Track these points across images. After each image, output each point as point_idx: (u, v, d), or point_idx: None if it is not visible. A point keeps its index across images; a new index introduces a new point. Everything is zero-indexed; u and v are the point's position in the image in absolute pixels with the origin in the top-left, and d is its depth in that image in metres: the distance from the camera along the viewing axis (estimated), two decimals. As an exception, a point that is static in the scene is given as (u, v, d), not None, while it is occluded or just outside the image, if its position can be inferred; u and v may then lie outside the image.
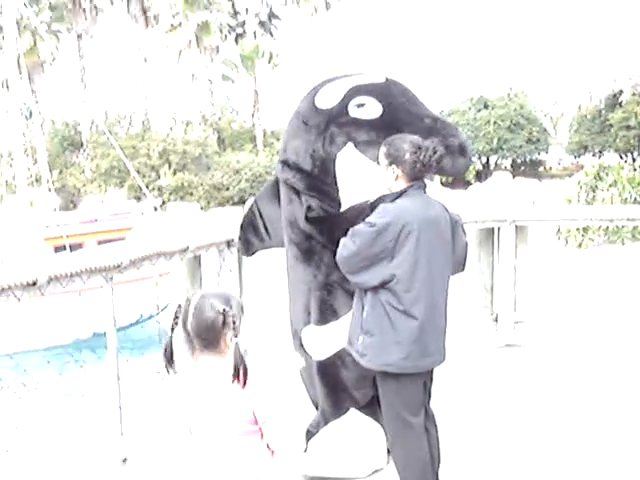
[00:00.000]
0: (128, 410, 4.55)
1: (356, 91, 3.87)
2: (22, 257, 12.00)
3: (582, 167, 24.47)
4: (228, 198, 36.27)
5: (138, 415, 4.98)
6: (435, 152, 3.29)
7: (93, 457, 4.16)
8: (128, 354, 10.10)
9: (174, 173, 39.61)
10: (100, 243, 13.40)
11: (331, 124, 3.85)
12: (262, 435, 2.42)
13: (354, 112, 3.81)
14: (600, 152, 38.29)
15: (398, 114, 3.81)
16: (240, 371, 2.34)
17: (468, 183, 41.31)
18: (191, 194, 37.55)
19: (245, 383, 2.35)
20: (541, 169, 48.05)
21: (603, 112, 36.59)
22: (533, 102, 50.78)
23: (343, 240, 3.37)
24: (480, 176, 44.78)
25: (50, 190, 16.05)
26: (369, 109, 3.80)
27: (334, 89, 3.95)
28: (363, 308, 3.36)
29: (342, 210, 3.83)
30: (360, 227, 3.29)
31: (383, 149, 3.37)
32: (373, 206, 3.37)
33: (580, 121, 40.29)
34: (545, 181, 39.99)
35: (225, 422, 2.41)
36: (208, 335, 2.40)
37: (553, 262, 15.63)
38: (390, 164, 3.32)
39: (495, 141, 44.91)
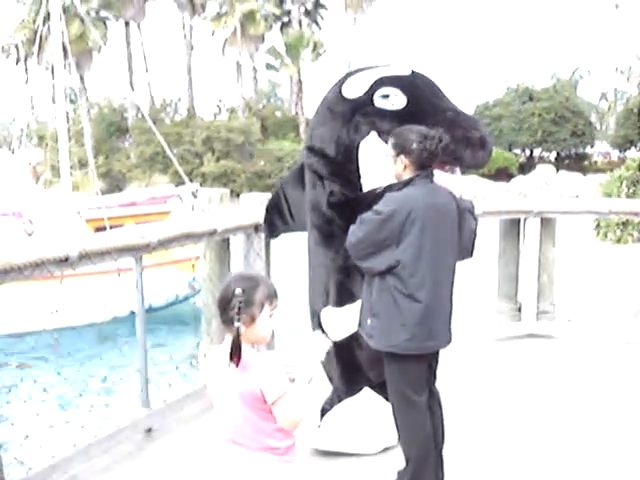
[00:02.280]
0: (156, 383, 4.77)
1: (382, 82, 4.00)
2: (61, 236, 12.36)
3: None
4: (270, 186, 36.48)
5: (164, 388, 5.21)
6: (441, 140, 3.42)
7: (120, 426, 4.36)
8: (163, 333, 10.42)
9: (217, 160, 40.01)
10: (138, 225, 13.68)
11: (356, 113, 4.00)
12: (274, 419, 2.48)
13: (379, 102, 3.96)
14: (647, 147, 37.72)
15: (421, 106, 3.93)
16: (233, 355, 2.42)
17: (511, 175, 40.97)
18: (234, 181, 37.94)
19: (237, 365, 2.43)
20: (586, 163, 47.38)
21: (651, 106, 36.02)
22: (580, 95, 50.12)
23: (352, 227, 3.52)
24: (524, 169, 44.34)
25: (93, 174, 16.43)
26: (394, 100, 3.93)
27: (361, 80, 4.09)
28: (372, 292, 3.51)
29: (362, 194, 3.99)
30: (367, 215, 3.44)
31: (391, 140, 3.51)
32: (381, 195, 3.51)
33: (627, 115, 39.70)
34: (589, 175, 39.45)
35: (233, 398, 2.50)
36: (221, 312, 2.50)
37: (588, 256, 15.56)
38: (398, 154, 3.45)
39: (539, 133, 44.39)
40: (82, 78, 42.39)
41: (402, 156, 3.44)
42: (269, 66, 47.89)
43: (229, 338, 2.48)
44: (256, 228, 5.49)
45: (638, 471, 4.07)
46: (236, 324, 2.42)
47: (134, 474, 4.02)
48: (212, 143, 40.47)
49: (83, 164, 19.78)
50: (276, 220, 4.92)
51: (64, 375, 8.41)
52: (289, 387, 2.47)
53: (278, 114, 49.58)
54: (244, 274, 2.65)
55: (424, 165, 3.43)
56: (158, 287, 12.00)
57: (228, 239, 5.68)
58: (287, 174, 4.90)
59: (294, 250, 5.94)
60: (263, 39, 46.61)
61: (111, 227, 13.30)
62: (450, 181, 3.64)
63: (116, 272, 11.95)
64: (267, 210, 4.99)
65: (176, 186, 17.74)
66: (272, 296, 2.53)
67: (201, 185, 16.22)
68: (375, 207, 3.43)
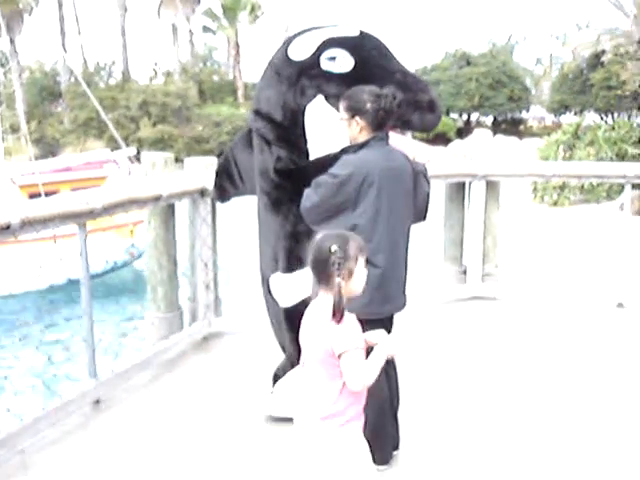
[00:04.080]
0: (102, 353, 4.65)
1: (329, 43, 3.87)
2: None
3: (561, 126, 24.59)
4: (208, 151, 36.10)
5: (112, 358, 5.10)
6: (395, 98, 3.35)
7: (67, 398, 4.25)
8: (103, 300, 10.26)
9: (154, 125, 39.36)
10: (74, 191, 13.39)
11: (302, 76, 3.88)
12: (341, 373, 2.52)
13: (326, 65, 3.83)
14: (581, 111, 38.31)
15: (370, 68, 3.84)
16: (337, 312, 2.50)
17: (449, 140, 41.30)
18: (171, 146, 37.39)
19: (340, 321, 2.50)
20: (521, 127, 48.07)
21: (585, 72, 36.42)
22: (516, 60, 50.66)
23: (306, 191, 3.44)
24: (461, 133, 44.76)
25: (26, 139, 15.96)
26: (341, 62, 3.81)
27: (307, 41, 3.96)
28: (327, 257, 3.46)
29: (309, 161, 3.91)
30: (323, 178, 3.37)
31: (343, 103, 3.43)
32: (336, 158, 3.43)
33: (562, 80, 40.24)
34: (525, 139, 40.06)
35: (312, 353, 2.58)
36: (318, 272, 2.57)
37: (527, 219, 15.84)
38: (353, 117, 3.38)
39: (477, 98, 44.80)
40: (12, 41, 40.97)
41: (357, 118, 3.36)
42: (206, 29, 47.16)
43: (325, 295, 2.56)
44: (202, 193, 5.40)
45: (575, 426, 4.15)
46: (337, 280, 2.50)
47: (84, 446, 3.93)
48: (148, 107, 39.75)
49: (15, 129, 19.22)
50: (226, 184, 4.83)
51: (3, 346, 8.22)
52: (361, 345, 2.53)
53: (215, 78, 48.87)
54: (331, 233, 2.66)
55: (380, 125, 3.37)
56: (95, 254, 11.80)
57: (173, 204, 5.57)
58: (236, 137, 4.78)
59: (241, 215, 5.87)
60: (199, 1, 45.73)
61: (46, 193, 12.96)
62: (405, 144, 3.59)
63: (52, 239, 11.69)
64: (217, 174, 4.89)
65: (112, 151, 17.39)
66: (363, 248, 2.62)
67: (138, 151, 15.93)
68: (331, 170, 3.36)
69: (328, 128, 3.75)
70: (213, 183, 4.85)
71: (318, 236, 2.63)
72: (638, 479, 3.65)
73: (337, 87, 3.73)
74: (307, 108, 3.87)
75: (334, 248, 2.51)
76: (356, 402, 2.59)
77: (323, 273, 2.55)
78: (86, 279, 4.34)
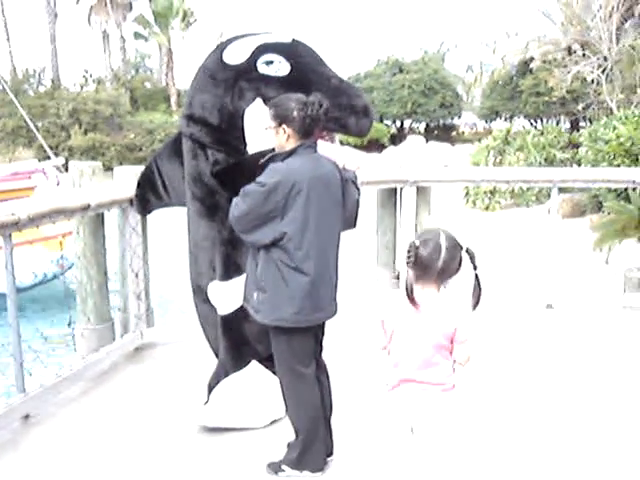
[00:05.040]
0: (31, 367, 4.54)
1: (264, 49, 3.93)
2: None
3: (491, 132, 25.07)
4: (141, 159, 35.61)
5: (41, 372, 4.98)
6: (321, 105, 3.37)
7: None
8: (31, 313, 10.02)
9: (85, 133, 38.74)
10: (1, 202, 13.08)
11: (240, 79, 3.91)
12: (451, 352, 2.96)
13: (263, 69, 3.88)
14: (511, 117, 39.08)
15: (306, 73, 3.90)
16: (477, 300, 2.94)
17: (383, 146, 41.64)
18: (103, 155, 36.85)
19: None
20: (454, 133, 48.76)
21: (514, 78, 37.20)
22: (447, 67, 51.42)
23: (235, 200, 3.43)
24: (395, 139, 45.17)
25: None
26: (278, 67, 3.87)
27: (242, 46, 4.00)
28: (257, 265, 3.45)
29: (245, 157, 3.89)
30: (250, 187, 3.36)
31: (271, 112, 3.44)
32: (264, 166, 3.43)
33: (492, 87, 41.00)
34: (457, 145, 40.62)
35: (428, 336, 2.94)
36: (450, 267, 2.91)
37: (460, 223, 16.05)
38: (280, 125, 3.39)
39: (409, 105, 45.23)
40: None
41: (284, 126, 3.37)
42: (138, 35, 46.60)
43: (430, 290, 2.94)
44: (131, 202, 5.33)
45: (501, 426, 4.23)
46: (475, 272, 2.96)
47: (14, 463, 3.82)
48: (79, 115, 39.08)
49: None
50: (149, 195, 4.79)
51: None
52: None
53: (148, 85, 48.35)
54: (449, 235, 2.97)
55: (307, 132, 3.38)
56: (24, 266, 11.50)
57: (102, 214, 5.49)
58: (160, 147, 4.75)
59: (171, 224, 5.80)
60: (131, 7, 45.25)
61: (-27, 205, 12.62)
62: (334, 151, 3.61)
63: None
64: (139, 185, 4.84)
65: (40, 161, 17.02)
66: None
67: (67, 160, 15.63)
68: (258, 179, 3.36)
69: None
70: (134, 194, 4.80)
71: (441, 242, 2.91)
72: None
73: (276, 90, 3.77)
74: (246, 111, 3.89)
75: (467, 248, 2.93)
76: (453, 372, 3.04)
77: (453, 268, 2.91)
78: (12, 292, 4.24)
